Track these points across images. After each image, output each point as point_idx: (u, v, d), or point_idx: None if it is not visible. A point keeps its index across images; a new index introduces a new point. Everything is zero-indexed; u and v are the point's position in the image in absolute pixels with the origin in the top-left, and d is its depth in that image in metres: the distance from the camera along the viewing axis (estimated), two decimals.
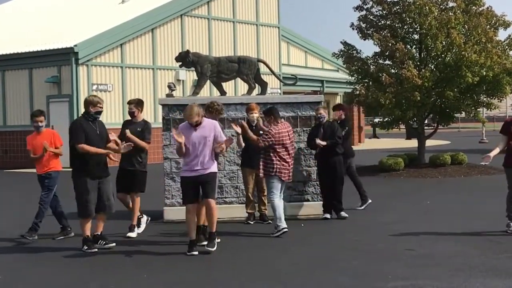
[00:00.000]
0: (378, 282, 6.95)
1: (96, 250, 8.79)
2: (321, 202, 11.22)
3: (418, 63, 18.85)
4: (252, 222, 10.80)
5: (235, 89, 27.01)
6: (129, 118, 10.26)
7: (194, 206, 8.62)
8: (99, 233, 9.08)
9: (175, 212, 10.97)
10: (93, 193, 8.84)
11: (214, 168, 8.73)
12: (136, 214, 9.97)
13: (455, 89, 18.18)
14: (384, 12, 19.37)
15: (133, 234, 9.81)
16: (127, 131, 9.75)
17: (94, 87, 23.78)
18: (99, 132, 8.99)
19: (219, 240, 8.81)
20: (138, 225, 10.07)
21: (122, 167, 9.95)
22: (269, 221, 10.51)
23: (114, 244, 9.09)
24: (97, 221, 9.08)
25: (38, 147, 9.76)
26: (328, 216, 11.05)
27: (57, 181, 9.85)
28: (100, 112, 9.04)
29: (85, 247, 8.80)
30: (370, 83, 19.28)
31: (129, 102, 10.20)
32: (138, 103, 10.13)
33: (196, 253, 8.45)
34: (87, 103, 9.02)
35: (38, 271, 7.90)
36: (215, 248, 8.56)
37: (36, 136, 9.88)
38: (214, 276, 7.47)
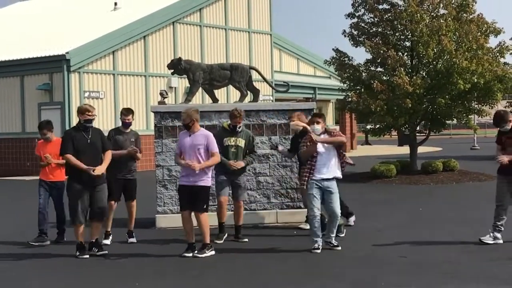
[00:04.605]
0: None
1: (88, 256, 8.89)
2: None
3: (410, 70, 18.92)
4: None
5: (227, 96, 27.02)
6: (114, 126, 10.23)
7: (188, 213, 8.84)
8: (93, 241, 9.11)
9: (167, 220, 10.96)
10: (84, 201, 8.88)
11: (205, 180, 8.81)
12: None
13: (447, 96, 18.25)
14: (376, 19, 19.44)
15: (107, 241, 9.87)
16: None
17: (86, 94, 23.73)
18: (91, 141, 8.97)
19: (213, 252, 8.83)
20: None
21: (122, 177, 9.89)
22: None
23: (106, 252, 9.10)
24: (91, 229, 9.12)
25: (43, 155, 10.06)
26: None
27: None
28: (90, 121, 9.02)
29: (77, 253, 8.94)
30: (362, 90, 19.33)
31: (128, 112, 10.00)
32: (133, 113, 10.16)
33: (190, 255, 8.70)
34: (78, 111, 9.15)
35: (34, 279, 7.88)
36: (202, 256, 8.66)
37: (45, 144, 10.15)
38: (205, 283, 7.45)
